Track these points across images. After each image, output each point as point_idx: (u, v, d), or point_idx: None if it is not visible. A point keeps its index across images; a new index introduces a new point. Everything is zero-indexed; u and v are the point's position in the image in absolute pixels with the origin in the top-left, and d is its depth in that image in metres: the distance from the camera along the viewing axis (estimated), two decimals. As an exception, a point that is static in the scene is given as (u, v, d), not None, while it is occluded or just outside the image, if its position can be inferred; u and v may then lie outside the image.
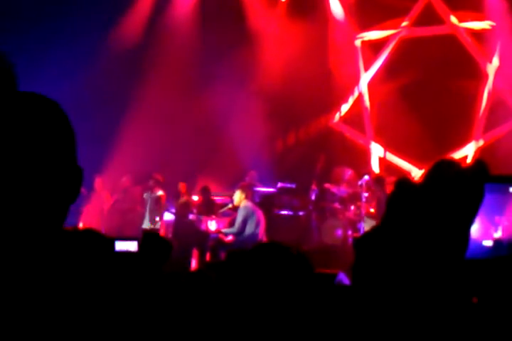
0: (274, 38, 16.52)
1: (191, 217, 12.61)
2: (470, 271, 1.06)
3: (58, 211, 1.17)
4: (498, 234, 1.13)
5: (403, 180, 0.98)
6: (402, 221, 0.96)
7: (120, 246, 6.75)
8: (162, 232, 13.19)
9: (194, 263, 12.05)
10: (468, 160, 15.01)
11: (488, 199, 1.00)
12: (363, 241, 0.99)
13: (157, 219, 13.26)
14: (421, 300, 0.95)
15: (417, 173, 15.13)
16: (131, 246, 6.79)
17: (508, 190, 1.07)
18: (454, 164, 0.98)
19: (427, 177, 0.98)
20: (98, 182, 14.13)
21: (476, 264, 1.08)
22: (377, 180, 12.49)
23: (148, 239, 4.85)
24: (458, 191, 0.96)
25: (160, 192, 13.28)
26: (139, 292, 1.11)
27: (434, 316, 0.95)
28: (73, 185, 1.23)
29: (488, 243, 1.13)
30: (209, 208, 12.87)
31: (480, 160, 0.99)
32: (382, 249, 0.97)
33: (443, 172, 0.97)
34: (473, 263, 1.07)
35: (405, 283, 0.95)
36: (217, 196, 13.71)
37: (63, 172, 1.20)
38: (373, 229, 1.00)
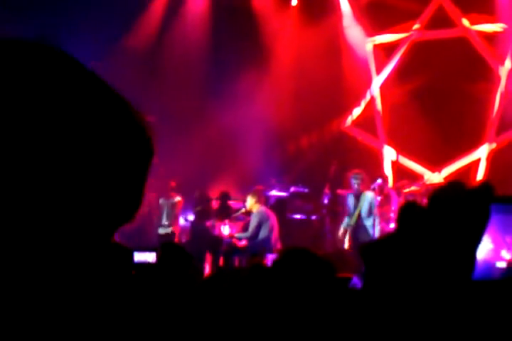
0: (286, 42, 16.54)
1: (208, 223, 12.68)
2: (482, 291, 1.08)
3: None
4: (510, 256, 1.15)
5: (409, 203, 1.00)
6: (408, 245, 0.98)
7: (139, 257, 6.71)
8: (176, 237, 13.25)
9: (207, 268, 12.09)
10: (482, 163, 14.98)
11: (498, 220, 1.02)
12: (371, 250, 1.01)
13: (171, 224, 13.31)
14: (425, 314, 0.97)
15: (429, 176, 15.10)
16: (150, 257, 6.77)
17: None
18: (460, 186, 1.00)
19: (434, 199, 1.00)
20: None
21: (488, 285, 1.10)
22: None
23: (168, 251, 4.83)
24: (464, 212, 0.98)
25: (178, 198, 13.33)
26: (160, 303, 1.11)
27: (439, 330, 0.97)
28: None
29: (501, 264, 1.14)
30: (226, 213, 12.92)
31: (486, 182, 1.01)
32: (390, 264, 0.99)
33: (449, 194, 0.99)
34: (485, 285, 1.09)
35: (412, 298, 0.97)
36: (231, 201, 13.76)
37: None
38: (381, 241, 1.02)
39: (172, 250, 4.74)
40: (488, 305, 1.04)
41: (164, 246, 4.95)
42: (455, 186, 1.00)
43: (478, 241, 0.99)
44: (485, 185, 1.00)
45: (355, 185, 11.72)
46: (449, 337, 0.97)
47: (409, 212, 0.99)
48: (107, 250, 1.04)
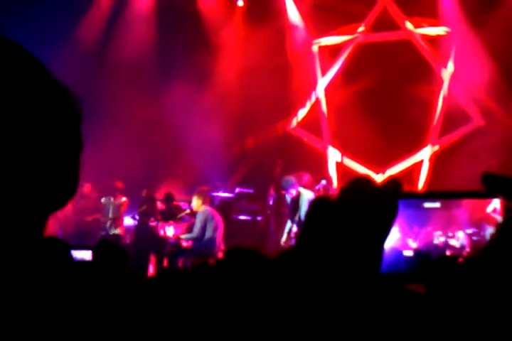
0: (232, 43, 16.54)
1: (152, 223, 12.62)
2: (391, 283, 1.09)
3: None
4: (416, 245, 1.18)
5: (319, 198, 1.01)
6: (316, 239, 0.99)
7: (74, 254, 6.63)
8: (122, 238, 13.16)
9: (151, 269, 12.02)
10: (425, 165, 15.18)
11: (405, 214, 1.04)
12: (282, 260, 1.01)
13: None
14: (336, 309, 0.97)
15: (374, 178, 15.20)
16: (86, 255, 6.72)
17: (422, 205, 1.11)
18: (369, 182, 1.01)
19: (342, 195, 1.01)
20: None
21: (397, 277, 1.11)
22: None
23: (103, 248, 4.81)
24: (372, 208, 0.99)
25: (123, 199, 13.25)
26: (94, 302, 1.09)
27: (352, 326, 0.98)
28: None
29: (408, 253, 1.18)
30: (170, 214, 12.86)
31: (394, 178, 1.02)
32: (298, 268, 0.99)
33: (357, 189, 1.00)
34: (393, 277, 1.10)
35: (322, 299, 0.98)
36: (175, 202, 13.71)
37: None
38: (292, 247, 1.02)
39: (107, 248, 4.71)
40: (394, 297, 1.05)
41: (100, 244, 4.91)
42: (363, 182, 1.01)
43: (384, 235, 1.00)
44: (392, 181, 1.02)
45: (287, 192, 11.70)
46: (361, 330, 0.98)
47: (317, 207, 1.00)
48: (39, 240, 1.03)
